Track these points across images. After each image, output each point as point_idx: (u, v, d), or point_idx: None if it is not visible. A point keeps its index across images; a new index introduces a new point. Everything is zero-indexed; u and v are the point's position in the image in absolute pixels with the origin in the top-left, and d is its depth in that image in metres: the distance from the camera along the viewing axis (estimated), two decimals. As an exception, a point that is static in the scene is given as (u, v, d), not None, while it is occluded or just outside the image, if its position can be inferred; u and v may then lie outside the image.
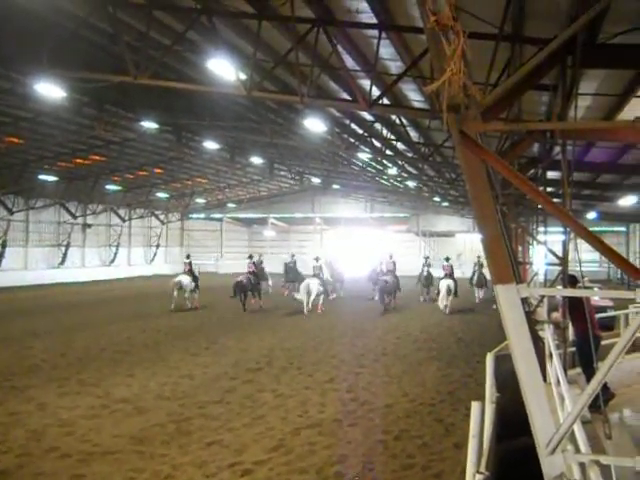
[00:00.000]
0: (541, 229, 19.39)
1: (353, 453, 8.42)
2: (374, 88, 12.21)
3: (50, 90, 16.20)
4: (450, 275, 27.00)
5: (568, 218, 4.62)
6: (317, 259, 27.12)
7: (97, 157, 32.19)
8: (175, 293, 25.83)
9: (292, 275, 31.41)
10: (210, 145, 27.34)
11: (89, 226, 44.84)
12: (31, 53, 14.39)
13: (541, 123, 10.02)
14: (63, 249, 42.36)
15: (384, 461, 8.14)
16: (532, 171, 15.04)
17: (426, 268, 30.84)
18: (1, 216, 37.70)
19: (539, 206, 17.01)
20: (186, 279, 26.49)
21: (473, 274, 31.10)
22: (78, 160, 32.61)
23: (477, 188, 4.23)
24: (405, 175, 33.30)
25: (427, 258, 32.86)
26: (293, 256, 32.78)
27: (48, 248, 41.57)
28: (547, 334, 9.62)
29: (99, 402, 10.82)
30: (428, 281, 30.68)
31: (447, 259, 28.63)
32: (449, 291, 25.87)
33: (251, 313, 24.60)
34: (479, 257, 29.09)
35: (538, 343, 9.23)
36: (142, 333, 18.90)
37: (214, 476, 7.51)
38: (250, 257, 28.62)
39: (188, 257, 29.06)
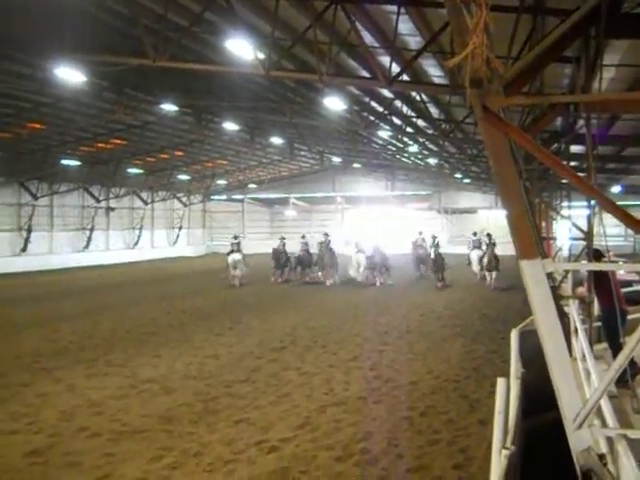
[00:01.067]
0: (565, 204, 19.21)
1: (378, 430, 8.47)
2: (394, 64, 12.12)
3: (70, 75, 16.31)
4: (479, 247, 28.43)
5: (594, 191, 4.57)
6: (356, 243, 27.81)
7: (118, 141, 32.38)
8: (232, 271, 27.37)
9: (283, 261, 29.39)
10: (230, 126, 27.38)
11: (112, 209, 45.21)
12: (50, 38, 14.49)
13: (564, 96, 9.89)
14: (87, 233, 42.79)
15: (410, 437, 8.17)
16: (555, 145, 14.86)
17: (432, 250, 27.34)
18: (26, 201, 38.14)
19: (563, 180, 16.85)
20: (239, 257, 27.59)
21: (483, 256, 26.95)
22: (100, 144, 32.83)
23: (501, 163, 4.19)
24: (426, 152, 33.10)
25: (435, 237, 28.75)
26: (283, 239, 30.18)
27: (72, 232, 42.01)
28: (572, 309, 9.56)
29: (127, 382, 10.98)
30: (438, 265, 26.86)
31: (475, 234, 29.71)
32: (480, 260, 27.51)
33: (272, 293, 24.75)
34: (489, 235, 26.85)
35: (563, 319, 9.18)
36: (167, 314, 19.09)
37: (242, 453, 7.61)
38: (303, 237, 29.44)
39: (236, 237, 29.38)
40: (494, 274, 25.69)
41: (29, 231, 37.84)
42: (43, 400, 9.94)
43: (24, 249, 37.48)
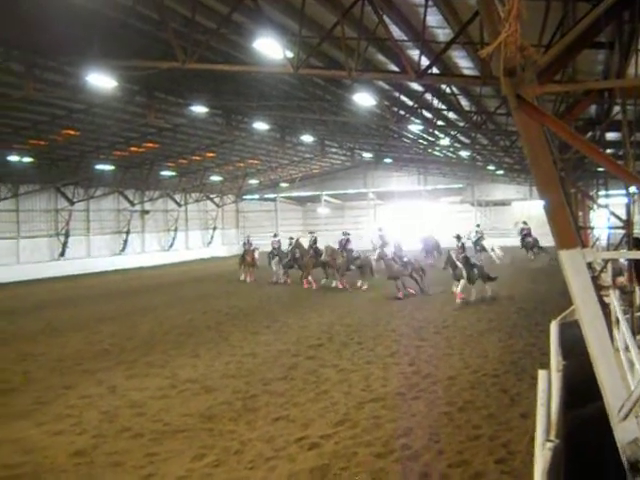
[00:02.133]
0: (602, 192, 18.87)
1: (418, 425, 8.42)
2: (423, 57, 12.03)
3: (101, 80, 16.51)
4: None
5: (633, 178, 4.48)
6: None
7: (151, 144, 32.77)
8: (275, 268, 28.30)
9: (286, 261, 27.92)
10: (260, 126, 27.49)
11: (147, 212, 45.79)
12: (81, 45, 14.70)
13: (599, 82, 9.70)
14: (123, 236, 43.40)
15: (450, 432, 8.11)
16: (590, 133, 14.62)
17: (377, 252, 22.15)
18: (63, 207, 38.84)
19: (599, 169, 16.56)
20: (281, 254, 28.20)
21: (451, 263, 20.21)
22: (133, 148, 33.26)
23: (537, 153, 4.12)
24: (458, 145, 32.83)
25: (380, 230, 26.43)
26: (291, 239, 28.31)
27: (109, 235, 42.67)
28: (613, 299, 9.39)
29: (167, 383, 11.09)
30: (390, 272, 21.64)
31: (478, 225, 31.51)
32: None
33: (307, 291, 24.81)
34: (459, 237, 21.72)
35: (604, 309, 9.02)
36: (204, 315, 19.25)
37: (282, 450, 7.63)
38: (344, 234, 28.33)
39: (275, 235, 30.14)
40: (473, 289, 20.03)
41: (67, 236, 38.53)
42: (86, 402, 10.09)
43: (62, 254, 38.18)
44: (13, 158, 30.46)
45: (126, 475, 7.11)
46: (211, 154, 38.75)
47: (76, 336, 16.09)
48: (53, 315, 20.13)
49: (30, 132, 26.60)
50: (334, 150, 41.44)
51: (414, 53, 13.33)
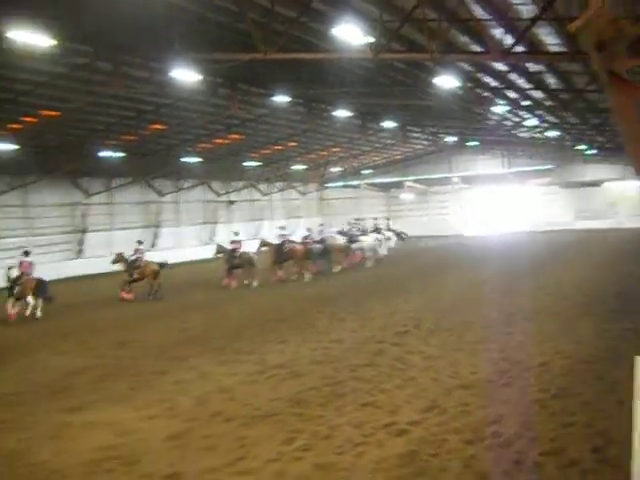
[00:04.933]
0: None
1: (509, 413, 8.23)
2: (507, 36, 11.71)
3: (185, 75, 16.95)
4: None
5: None
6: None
7: (235, 136, 33.30)
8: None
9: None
10: (341, 113, 27.44)
11: (233, 203, 46.75)
12: (164, 41, 15.10)
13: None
14: (212, 226, 44.50)
15: (543, 420, 7.89)
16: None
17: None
18: (152, 199, 40.17)
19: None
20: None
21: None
22: (217, 140, 33.96)
23: (631, 130, 3.94)
24: (545, 125, 31.76)
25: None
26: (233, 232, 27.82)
27: (198, 226, 43.85)
28: None
29: (255, 369, 11.30)
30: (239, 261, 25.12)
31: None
32: None
33: (393, 275, 24.69)
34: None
35: None
36: (290, 301, 19.49)
37: (370, 436, 7.64)
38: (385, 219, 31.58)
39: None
40: None
41: (158, 227, 39.91)
42: (178, 387, 10.42)
43: (153, 244, 39.47)
44: (105, 154, 31.64)
45: (219, 458, 7.29)
46: (293, 143, 39.04)
47: (167, 324, 16.61)
48: (145, 303, 20.94)
49: (120, 127, 27.63)
50: (416, 135, 40.93)
51: (497, 32, 13.00)
